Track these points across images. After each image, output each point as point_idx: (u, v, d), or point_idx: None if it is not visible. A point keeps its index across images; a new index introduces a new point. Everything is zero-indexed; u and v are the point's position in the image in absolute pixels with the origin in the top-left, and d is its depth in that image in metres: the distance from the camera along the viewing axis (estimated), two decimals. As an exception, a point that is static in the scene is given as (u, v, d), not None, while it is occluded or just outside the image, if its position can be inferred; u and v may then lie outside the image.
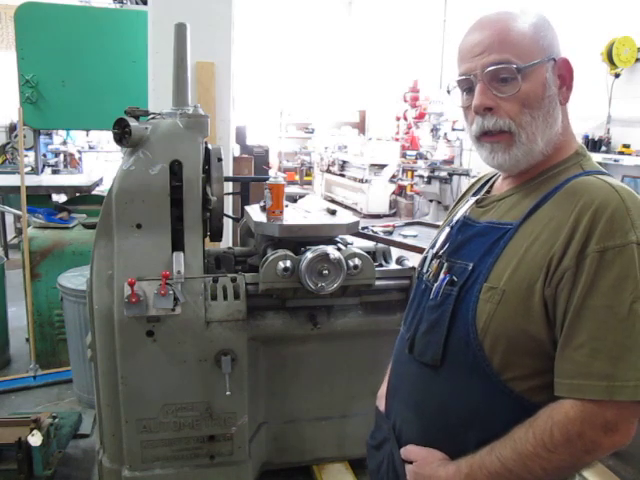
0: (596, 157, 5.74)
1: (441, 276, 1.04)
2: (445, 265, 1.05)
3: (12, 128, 7.53)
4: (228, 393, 1.84)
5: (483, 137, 1.00)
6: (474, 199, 1.12)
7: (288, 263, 1.87)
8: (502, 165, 1.00)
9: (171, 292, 1.76)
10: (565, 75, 1.00)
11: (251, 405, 2.00)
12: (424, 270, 1.13)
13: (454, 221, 1.12)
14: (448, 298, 1.00)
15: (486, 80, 0.96)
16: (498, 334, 0.93)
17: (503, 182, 1.10)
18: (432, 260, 1.11)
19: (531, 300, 0.90)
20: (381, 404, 1.23)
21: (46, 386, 3.19)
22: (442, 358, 1.00)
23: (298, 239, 2.00)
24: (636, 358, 0.84)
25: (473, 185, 1.26)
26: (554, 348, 0.91)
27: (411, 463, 1.03)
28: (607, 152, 5.64)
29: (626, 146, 5.46)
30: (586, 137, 5.86)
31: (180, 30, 1.91)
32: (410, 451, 1.04)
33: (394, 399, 1.15)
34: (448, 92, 1.05)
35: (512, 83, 0.95)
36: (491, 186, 1.15)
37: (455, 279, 1.01)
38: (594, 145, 5.78)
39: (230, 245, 3.19)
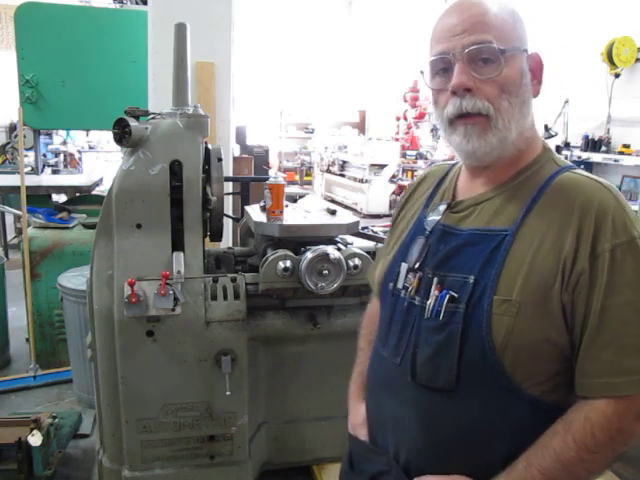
0: (596, 157, 5.75)
1: (435, 292, 0.96)
2: (435, 280, 0.97)
3: (12, 128, 7.53)
4: (228, 393, 1.84)
5: (457, 120, 0.95)
6: (445, 204, 1.05)
7: (288, 263, 1.87)
8: (475, 151, 0.95)
9: (171, 292, 1.76)
10: (536, 69, 0.99)
11: (251, 405, 2.00)
12: (399, 286, 1.04)
13: (428, 230, 1.04)
14: (454, 316, 0.93)
15: (465, 60, 0.92)
16: (520, 346, 0.89)
17: (472, 182, 1.04)
18: (408, 274, 1.03)
19: (549, 307, 0.88)
20: (362, 434, 1.13)
21: (46, 386, 3.19)
22: (455, 380, 0.94)
23: (298, 239, 2.00)
24: None
25: (420, 185, 1.19)
26: (571, 350, 0.90)
27: None
28: (607, 152, 5.64)
29: (626, 146, 5.47)
30: (586, 137, 5.86)
31: (180, 30, 1.91)
32: None
33: (391, 430, 1.05)
34: (422, 73, 1.00)
35: (492, 65, 0.92)
36: (454, 189, 1.08)
37: (455, 295, 0.94)
38: (594, 145, 5.77)
39: (230, 245, 3.19)
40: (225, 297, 1.88)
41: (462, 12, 0.94)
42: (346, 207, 9.00)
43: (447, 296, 0.94)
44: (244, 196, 3.05)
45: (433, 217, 1.05)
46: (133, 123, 1.77)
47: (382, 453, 1.07)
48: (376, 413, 1.10)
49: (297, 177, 11.44)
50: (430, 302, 0.96)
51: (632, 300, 0.86)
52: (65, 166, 8.26)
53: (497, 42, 0.92)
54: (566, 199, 0.91)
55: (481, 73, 0.92)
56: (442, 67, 0.96)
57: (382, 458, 1.06)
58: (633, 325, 0.86)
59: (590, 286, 0.87)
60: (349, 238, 2.26)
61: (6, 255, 4.99)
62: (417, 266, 1.01)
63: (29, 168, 5.34)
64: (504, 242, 0.92)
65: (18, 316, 3.81)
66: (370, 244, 2.42)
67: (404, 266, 1.04)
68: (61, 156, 8.39)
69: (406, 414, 1.01)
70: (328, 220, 2.10)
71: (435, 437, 0.97)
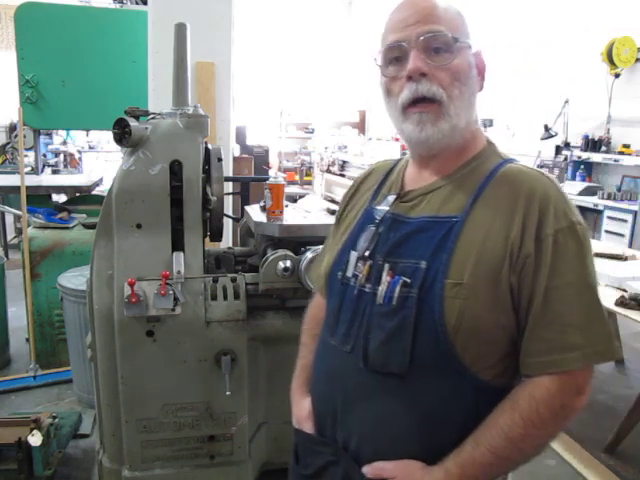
0: (596, 157, 5.75)
1: (386, 278, 0.98)
2: (387, 266, 0.99)
3: (12, 128, 7.53)
4: (228, 393, 1.84)
5: (411, 107, 0.98)
6: (394, 195, 1.08)
7: (288, 263, 1.87)
8: (429, 139, 0.99)
9: (171, 292, 1.76)
10: (480, 66, 1.04)
11: (251, 405, 2.00)
12: (348, 274, 1.05)
13: (377, 219, 1.06)
14: (407, 301, 0.94)
15: (420, 48, 0.97)
16: (471, 329, 0.92)
17: (420, 173, 1.07)
18: (357, 263, 1.04)
19: (498, 290, 0.92)
20: (307, 426, 1.13)
21: (46, 386, 3.19)
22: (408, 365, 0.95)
23: (298, 239, 2.00)
24: (600, 325, 0.92)
25: (365, 180, 1.22)
26: (518, 332, 0.95)
27: None
28: (607, 152, 5.64)
29: (626, 146, 5.47)
30: (586, 137, 5.86)
31: (180, 30, 1.91)
32: (381, 468, 0.97)
33: (340, 419, 1.05)
34: (375, 61, 1.04)
35: (445, 54, 0.97)
36: (402, 180, 1.11)
37: (408, 280, 0.95)
38: (594, 145, 5.77)
39: (230, 245, 3.19)
40: (225, 297, 1.88)
41: (414, 6, 1.00)
42: (346, 207, 8.97)
43: (400, 281, 0.96)
44: (244, 196, 3.05)
45: (382, 207, 1.07)
46: (133, 123, 1.77)
47: (329, 443, 1.07)
48: (323, 404, 1.10)
49: (297, 177, 11.42)
50: (382, 288, 0.98)
51: (573, 281, 0.91)
52: (65, 166, 8.26)
53: (449, 32, 0.97)
54: (512, 188, 0.96)
55: (434, 61, 0.97)
56: (396, 56, 1.00)
57: (329, 449, 1.07)
58: (574, 305, 0.91)
59: (535, 268, 0.92)
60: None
61: (6, 255, 4.99)
62: (367, 254, 1.03)
63: (29, 168, 5.34)
64: (454, 228, 0.96)
65: (18, 316, 3.81)
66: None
67: (353, 254, 1.06)
68: (61, 156, 8.39)
69: (357, 401, 1.02)
70: (328, 220, 2.10)
71: (387, 422, 0.98)
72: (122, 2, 6.98)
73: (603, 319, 0.93)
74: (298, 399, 1.20)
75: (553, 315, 0.91)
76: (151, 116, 1.91)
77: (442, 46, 0.97)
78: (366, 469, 0.98)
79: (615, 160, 5.47)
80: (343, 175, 10.05)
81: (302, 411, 1.16)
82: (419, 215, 1.01)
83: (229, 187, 3.40)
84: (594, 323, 0.92)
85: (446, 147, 1.01)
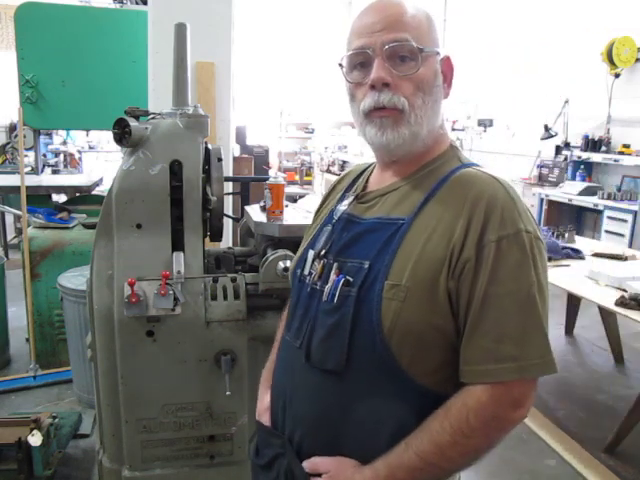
0: (596, 157, 5.75)
1: (332, 277, 0.99)
2: (335, 265, 1.00)
3: (12, 128, 7.53)
4: (228, 393, 1.84)
5: (373, 112, 0.98)
6: (353, 196, 1.10)
7: (288, 263, 1.87)
8: (389, 143, 0.99)
9: (171, 292, 1.76)
10: (447, 72, 1.03)
11: (251, 405, 2.00)
12: (305, 272, 1.08)
13: (335, 219, 1.08)
14: (347, 299, 0.95)
15: (385, 56, 0.96)
16: (406, 331, 0.91)
17: (382, 176, 1.09)
18: (314, 261, 1.06)
19: (436, 293, 0.91)
20: (265, 419, 1.15)
21: (46, 386, 3.20)
22: (346, 363, 0.95)
23: (298, 239, 1.99)
24: (538, 337, 0.89)
25: (340, 181, 1.25)
26: (458, 338, 0.93)
27: (319, 476, 0.98)
28: (607, 152, 5.64)
29: (626, 146, 5.47)
30: (586, 137, 5.86)
31: (180, 30, 1.91)
32: (317, 463, 0.99)
33: (288, 412, 1.07)
34: (340, 66, 1.04)
35: (410, 63, 0.96)
36: (366, 182, 1.13)
37: (350, 279, 0.96)
38: (594, 145, 5.78)
39: (230, 245, 3.19)
40: (225, 297, 1.88)
41: (381, 11, 0.98)
42: (346, 207, 8.96)
43: (342, 280, 0.97)
44: (244, 196, 3.06)
45: (342, 207, 1.09)
46: (133, 123, 1.77)
47: (280, 436, 1.09)
48: (277, 397, 1.12)
49: (297, 177, 11.43)
50: (327, 286, 1.00)
51: (513, 290, 0.89)
52: (65, 166, 8.26)
53: (415, 41, 0.96)
54: (461, 191, 0.95)
55: (399, 70, 0.96)
56: (360, 62, 0.99)
57: (279, 441, 1.08)
58: (512, 314, 0.88)
59: (474, 274, 0.89)
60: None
61: (6, 255, 5.00)
62: (322, 253, 1.05)
63: (29, 168, 5.34)
64: (400, 230, 0.96)
65: (18, 316, 3.82)
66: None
67: (311, 253, 1.09)
68: (61, 156, 8.39)
69: (301, 396, 1.04)
70: (328, 220, 2.10)
71: (324, 418, 1.00)
72: (122, 2, 6.98)
73: (542, 331, 0.90)
74: (262, 392, 1.22)
75: (490, 323, 0.89)
76: (151, 116, 1.91)
77: (407, 55, 0.96)
78: (305, 463, 1.01)
79: (615, 160, 5.48)
80: (343, 175, 10.04)
81: (263, 403, 1.18)
82: (372, 216, 1.03)
83: (229, 187, 3.40)
84: (531, 335, 0.89)
85: (407, 153, 1.01)
